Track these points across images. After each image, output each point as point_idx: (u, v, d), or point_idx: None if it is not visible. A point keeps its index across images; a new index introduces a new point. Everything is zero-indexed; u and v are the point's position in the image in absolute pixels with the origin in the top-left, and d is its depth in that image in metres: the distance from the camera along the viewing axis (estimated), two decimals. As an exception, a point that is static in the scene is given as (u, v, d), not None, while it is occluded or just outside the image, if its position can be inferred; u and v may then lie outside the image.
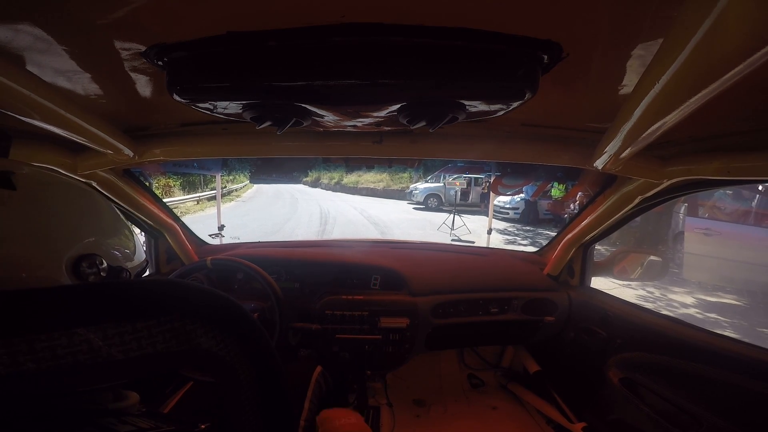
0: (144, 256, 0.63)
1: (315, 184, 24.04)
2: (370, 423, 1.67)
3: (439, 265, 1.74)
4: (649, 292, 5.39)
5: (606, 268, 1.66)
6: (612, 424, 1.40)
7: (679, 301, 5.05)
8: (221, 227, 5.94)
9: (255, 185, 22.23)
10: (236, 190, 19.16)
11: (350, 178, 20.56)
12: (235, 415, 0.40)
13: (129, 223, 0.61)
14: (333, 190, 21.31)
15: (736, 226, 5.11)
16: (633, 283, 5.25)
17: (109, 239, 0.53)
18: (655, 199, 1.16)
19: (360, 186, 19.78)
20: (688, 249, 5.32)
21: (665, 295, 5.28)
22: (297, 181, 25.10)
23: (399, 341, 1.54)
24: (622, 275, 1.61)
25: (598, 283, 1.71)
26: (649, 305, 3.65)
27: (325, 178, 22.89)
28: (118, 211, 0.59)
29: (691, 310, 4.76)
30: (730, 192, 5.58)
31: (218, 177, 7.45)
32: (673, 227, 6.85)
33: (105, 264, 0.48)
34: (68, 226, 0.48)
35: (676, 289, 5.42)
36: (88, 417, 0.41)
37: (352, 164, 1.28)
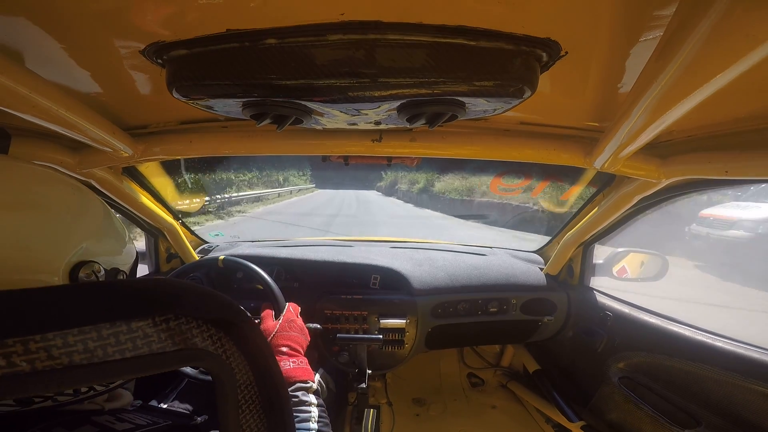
0: (134, 251, 0.62)
1: (390, 191, 17.02)
2: (370, 422, 1.67)
3: (438, 265, 1.74)
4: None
5: (606, 268, 1.66)
6: (611, 423, 1.40)
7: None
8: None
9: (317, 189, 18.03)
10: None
11: (445, 184, 10.26)
12: (232, 415, 0.40)
13: (119, 219, 0.61)
14: (416, 204, 12.47)
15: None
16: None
17: (103, 240, 0.52)
18: (654, 198, 1.16)
19: (472, 199, 9.18)
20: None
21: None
22: (369, 187, 19.71)
23: (399, 341, 1.54)
24: (621, 275, 1.61)
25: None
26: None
27: (405, 182, 14.92)
28: (109, 208, 0.58)
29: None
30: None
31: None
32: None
33: (102, 271, 0.48)
34: (66, 230, 0.47)
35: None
36: (84, 415, 0.40)
37: (349, 162, 1.26)
